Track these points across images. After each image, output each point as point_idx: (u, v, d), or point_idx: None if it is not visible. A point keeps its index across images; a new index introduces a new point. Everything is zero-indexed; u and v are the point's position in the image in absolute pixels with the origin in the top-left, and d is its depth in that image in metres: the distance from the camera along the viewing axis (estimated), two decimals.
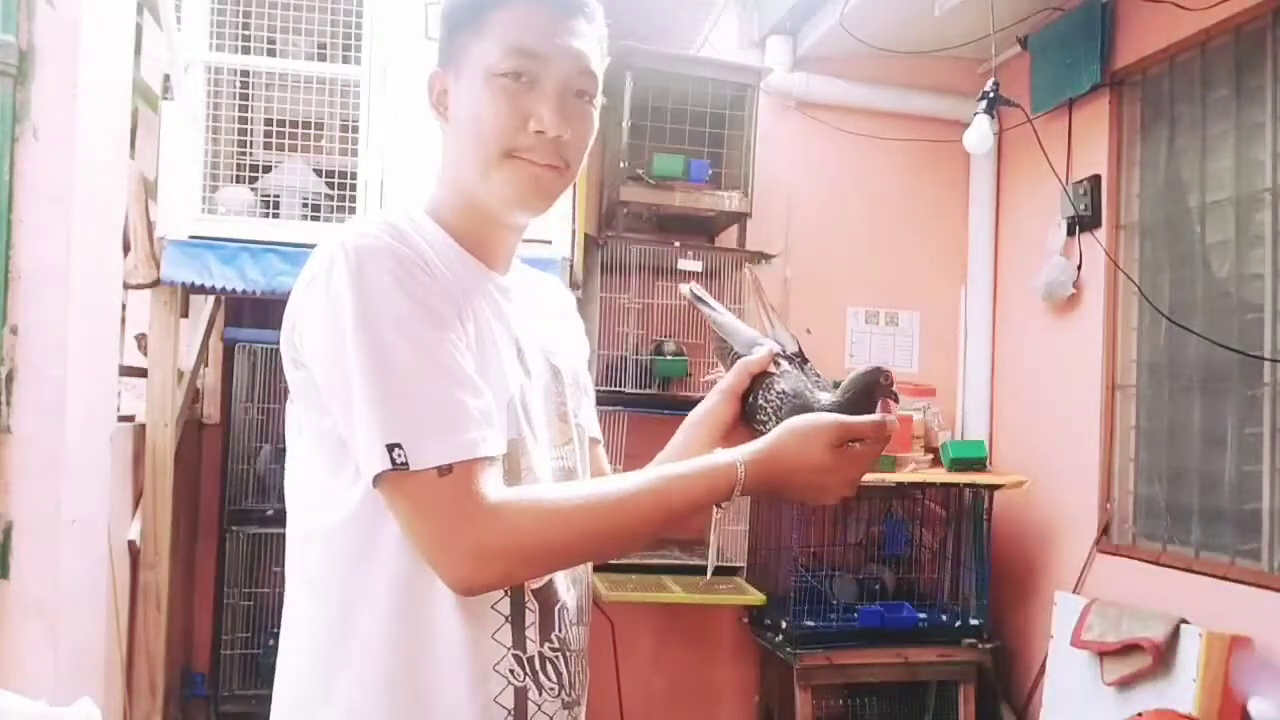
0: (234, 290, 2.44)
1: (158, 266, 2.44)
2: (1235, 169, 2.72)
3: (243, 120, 2.71)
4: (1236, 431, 2.67)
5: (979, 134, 2.87)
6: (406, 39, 2.57)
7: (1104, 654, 2.71)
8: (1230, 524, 2.67)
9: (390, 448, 0.80)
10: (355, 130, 2.57)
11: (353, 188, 2.55)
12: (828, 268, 3.63)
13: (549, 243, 2.64)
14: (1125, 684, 2.64)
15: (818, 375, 1.06)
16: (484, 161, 0.92)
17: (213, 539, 3.07)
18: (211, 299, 2.90)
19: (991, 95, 2.86)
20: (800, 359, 1.07)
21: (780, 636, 3.11)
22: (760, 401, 1.03)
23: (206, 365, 3.04)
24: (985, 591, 3.25)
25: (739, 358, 1.08)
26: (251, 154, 2.68)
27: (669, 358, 3.23)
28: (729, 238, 3.39)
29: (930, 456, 3.38)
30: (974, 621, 3.22)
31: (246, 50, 2.66)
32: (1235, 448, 2.67)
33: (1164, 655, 2.54)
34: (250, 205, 2.56)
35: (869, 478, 3.31)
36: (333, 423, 0.87)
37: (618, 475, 0.92)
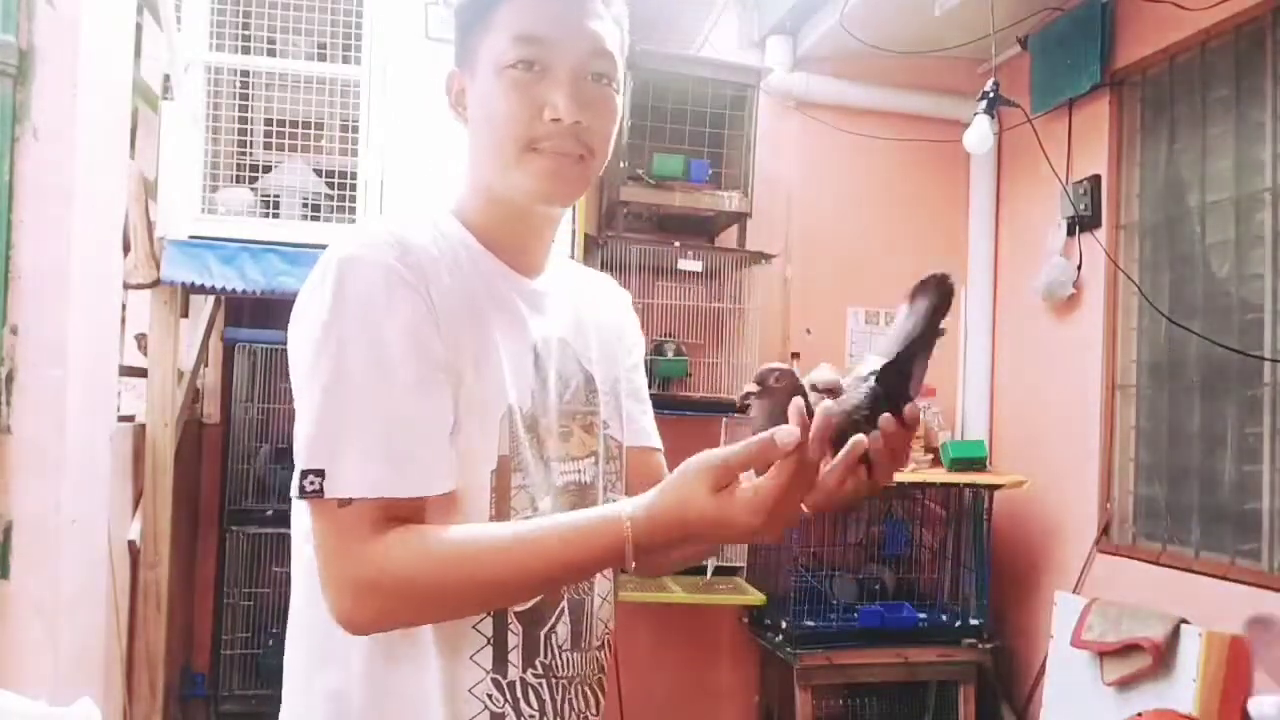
0: (234, 290, 2.44)
1: (158, 266, 2.44)
2: (1235, 169, 2.72)
3: (243, 120, 2.71)
4: (1236, 431, 2.67)
5: (979, 134, 2.87)
6: (406, 39, 2.58)
7: (1104, 654, 2.71)
8: (1230, 524, 2.67)
9: (306, 473, 0.80)
10: (355, 130, 2.57)
11: (353, 188, 2.55)
12: (828, 268, 3.63)
13: None
14: (1125, 684, 2.64)
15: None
16: (502, 157, 0.90)
17: (213, 539, 3.07)
18: (211, 299, 2.90)
19: (991, 95, 2.86)
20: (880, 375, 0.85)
21: (780, 636, 3.11)
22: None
23: (206, 365, 3.04)
24: (985, 591, 3.25)
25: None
26: (251, 154, 2.69)
27: (669, 358, 3.23)
28: (729, 238, 3.39)
29: (930, 456, 3.39)
30: (974, 621, 3.22)
31: (246, 50, 2.66)
32: (1235, 448, 2.67)
33: (1164, 655, 2.54)
34: (250, 205, 2.56)
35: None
36: None
37: (531, 520, 0.86)
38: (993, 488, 3.24)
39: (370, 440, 0.81)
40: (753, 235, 3.30)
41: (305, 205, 2.60)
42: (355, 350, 0.82)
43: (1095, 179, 3.16)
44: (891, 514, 3.45)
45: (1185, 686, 2.47)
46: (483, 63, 0.92)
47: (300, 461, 0.81)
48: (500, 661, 0.89)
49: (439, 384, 0.85)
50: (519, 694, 0.90)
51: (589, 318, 1.05)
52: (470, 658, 0.87)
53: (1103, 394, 3.12)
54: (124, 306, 2.58)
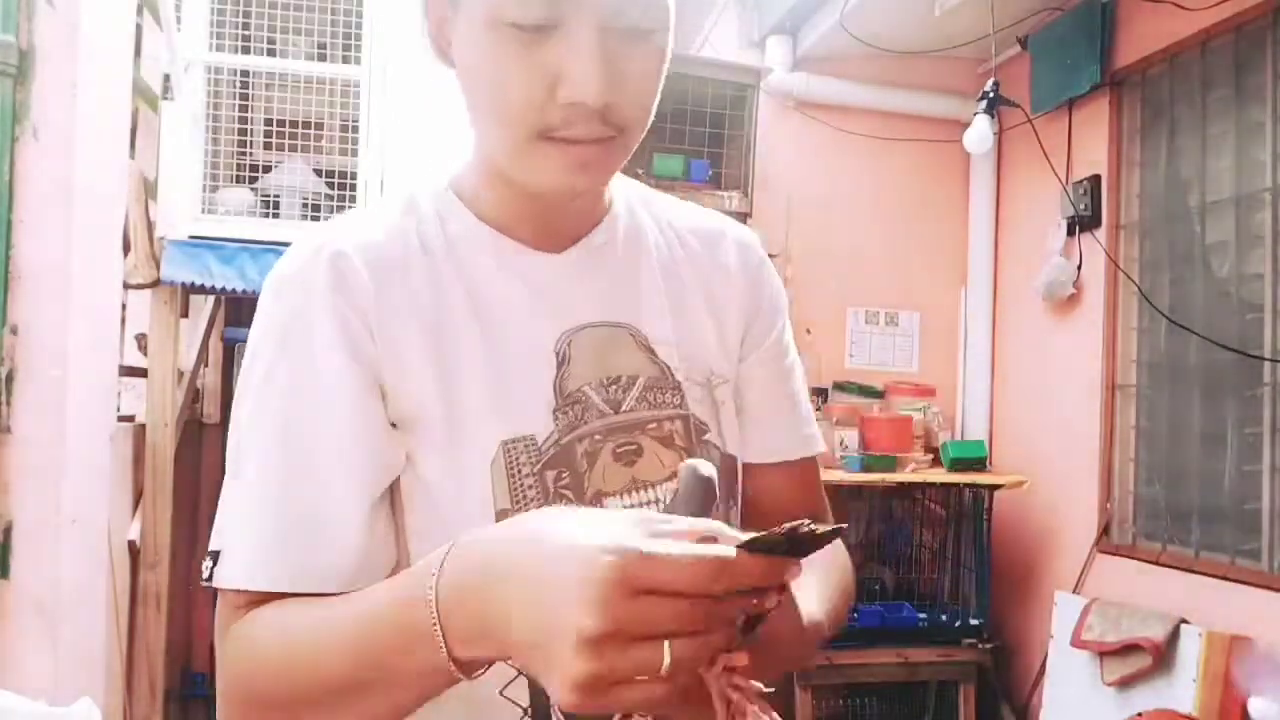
0: (234, 290, 2.44)
1: (158, 266, 2.44)
2: (1235, 169, 2.72)
3: (243, 120, 2.72)
4: (1236, 431, 2.67)
5: (979, 134, 2.87)
6: (406, 39, 2.58)
7: (1104, 654, 2.71)
8: (1230, 524, 2.67)
9: (209, 552, 0.68)
10: (355, 130, 2.58)
11: (353, 187, 2.55)
12: (828, 268, 3.62)
13: None
14: (1125, 684, 2.64)
15: None
16: (507, 141, 0.68)
17: None
18: (211, 299, 2.90)
19: (991, 95, 2.86)
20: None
21: None
22: None
23: (206, 365, 3.05)
24: (985, 591, 3.24)
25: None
26: (251, 154, 2.69)
27: None
28: None
29: (930, 456, 3.39)
30: (974, 621, 3.22)
31: (246, 50, 2.66)
32: (1235, 448, 2.67)
33: (1164, 655, 2.54)
34: (250, 205, 2.56)
35: (867, 477, 3.30)
36: None
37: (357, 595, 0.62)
38: (993, 488, 3.24)
39: (258, 521, 0.66)
40: None
41: (305, 205, 2.60)
42: (262, 407, 0.69)
43: (1095, 179, 3.16)
44: (891, 514, 3.45)
45: (1185, 686, 2.47)
46: None
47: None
48: None
49: (366, 441, 0.68)
50: None
51: (672, 283, 0.80)
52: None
53: (1103, 394, 3.12)
54: (124, 306, 2.59)
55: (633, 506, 0.73)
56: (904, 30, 3.35)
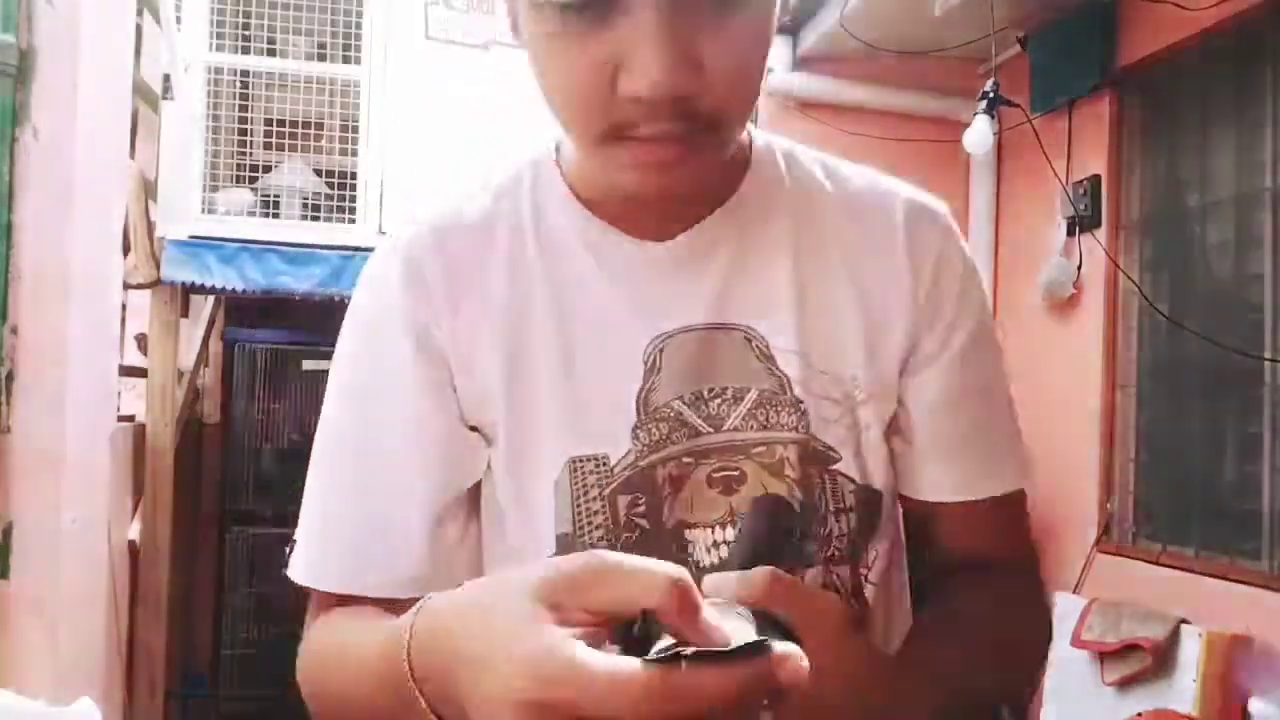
0: (234, 290, 2.44)
1: (158, 266, 2.44)
2: (1235, 169, 2.71)
3: (243, 120, 2.72)
4: (1236, 431, 2.67)
5: (979, 134, 2.87)
6: (406, 39, 2.58)
7: (1104, 654, 2.71)
8: (1230, 524, 2.66)
9: (290, 541, 0.67)
10: (355, 130, 2.57)
11: (353, 188, 2.55)
12: None
13: None
14: (1125, 684, 2.64)
15: None
16: (578, 142, 0.59)
17: (213, 539, 3.07)
18: (211, 299, 2.90)
19: (991, 95, 2.86)
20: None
21: None
22: None
23: (206, 365, 3.05)
24: None
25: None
26: (251, 154, 2.69)
27: None
28: None
29: None
30: None
31: (246, 50, 2.66)
32: (1235, 448, 2.67)
33: (1164, 655, 2.53)
34: (250, 205, 2.56)
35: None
36: None
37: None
38: None
39: (321, 521, 0.65)
40: None
41: (305, 205, 2.60)
42: (335, 406, 0.66)
43: (1095, 179, 3.16)
44: None
45: (1185, 686, 2.47)
46: None
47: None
48: None
49: (429, 447, 0.64)
50: None
51: (812, 273, 0.66)
52: None
53: (1103, 394, 3.11)
54: (124, 306, 2.59)
55: (724, 544, 0.63)
56: (904, 30, 3.35)
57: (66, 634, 2.04)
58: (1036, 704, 3.16)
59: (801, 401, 0.64)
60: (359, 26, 2.57)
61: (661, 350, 0.64)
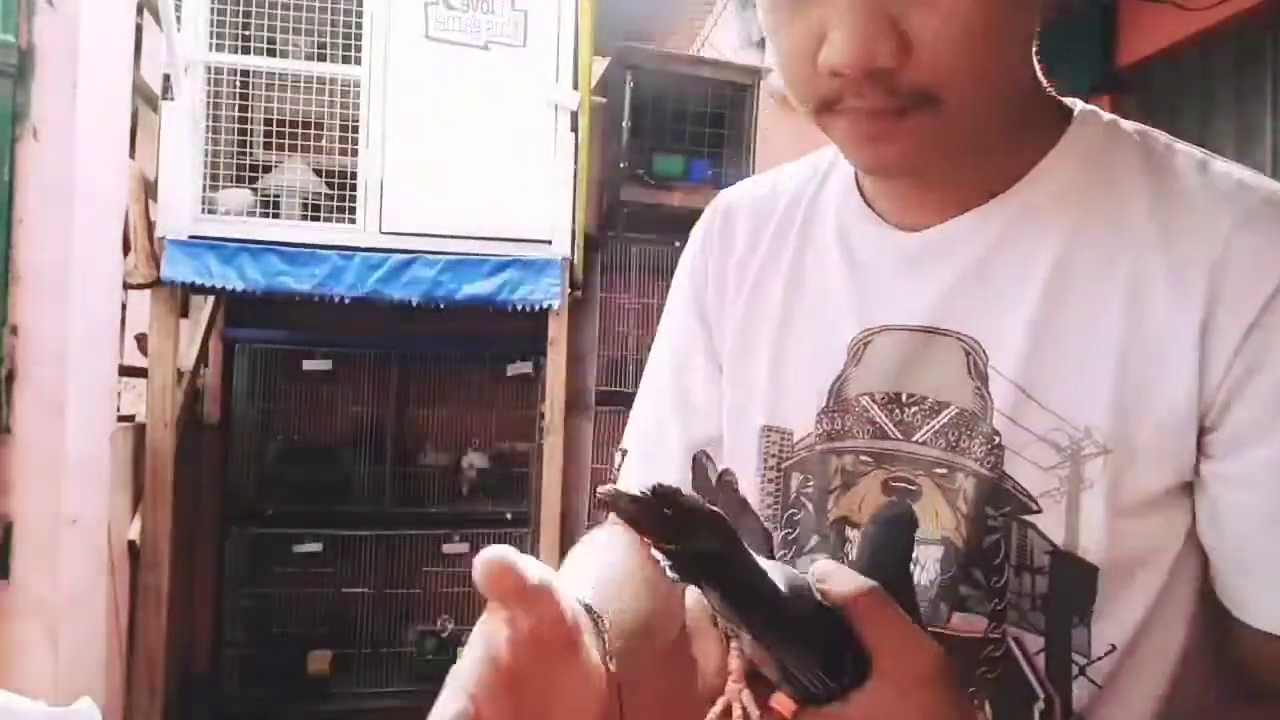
0: (234, 290, 2.44)
1: (158, 266, 2.44)
2: None
3: (243, 120, 2.72)
4: None
5: None
6: (406, 39, 2.58)
7: None
8: None
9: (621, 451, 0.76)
10: (355, 130, 2.57)
11: (352, 188, 2.55)
12: None
13: (549, 243, 2.65)
14: None
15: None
16: (803, 112, 0.57)
17: (212, 539, 3.07)
18: (211, 299, 2.90)
19: None
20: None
21: None
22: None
23: (206, 365, 3.04)
24: None
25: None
26: (251, 154, 2.69)
27: None
28: None
29: None
30: None
31: (246, 50, 2.66)
32: None
33: None
34: (250, 205, 2.56)
35: None
36: None
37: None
38: None
39: (640, 428, 0.75)
40: None
41: (305, 205, 2.60)
42: (662, 328, 0.78)
43: None
44: None
45: None
46: None
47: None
48: None
49: (683, 395, 0.72)
50: None
51: (1080, 289, 0.55)
52: None
53: None
54: (124, 306, 2.59)
55: None
56: None
57: (66, 634, 2.04)
58: None
59: (998, 434, 0.55)
60: (359, 26, 2.57)
61: (867, 343, 0.61)
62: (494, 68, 2.61)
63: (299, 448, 2.98)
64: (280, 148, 2.60)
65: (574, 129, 2.66)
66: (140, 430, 2.54)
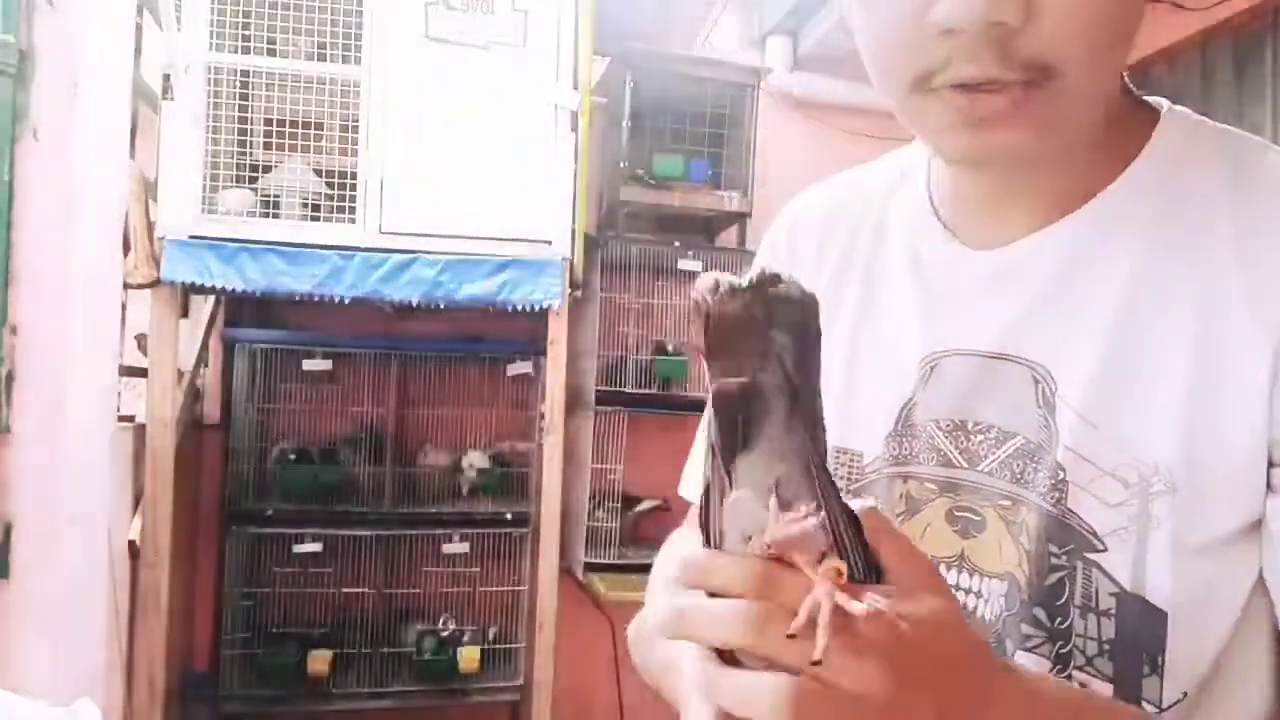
0: (234, 290, 2.44)
1: (158, 266, 2.44)
2: None
3: (243, 120, 2.72)
4: None
5: None
6: (406, 39, 2.58)
7: None
8: None
9: None
10: (355, 130, 2.57)
11: (353, 188, 2.55)
12: None
13: (549, 243, 2.65)
14: None
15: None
16: (891, 99, 0.53)
17: (213, 539, 3.07)
18: (211, 299, 2.90)
19: None
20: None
21: None
22: None
23: (206, 365, 3.04)
24: None
25: None
26: (251, 154, 2.69)
27: (669, 358, 3.23)
28: (729, 238, 3.39)
29: None
30: None
31: (246, 50, 2.66)
32: None
33: None
34: (250, 205, 2.56)
35: None
36: None
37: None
38: None
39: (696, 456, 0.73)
40: (753, 235, 3.30)
41: (305, 205, 2.60)
42: None
43: None
44: None
45: None
46: None
47: None
48: None
49: None
50: None
51: (1138, 321, 0.52)
52: None
53: None
54: (124, 306, 2.59)
55: (954, 589, 0.56)
56: None
57: (66, 634, 2.04)
58: None
59: (1063, 468, 0.52)
60: (359, 26, 2.57)
61: (934, 367, 0.58)
62: (494, 68, 2.61)
63: (299, 448, 2.98)
64: (280, 148, 2.60)
65: (574, 129, 2.66)
66: (140, 430, 2.54)
